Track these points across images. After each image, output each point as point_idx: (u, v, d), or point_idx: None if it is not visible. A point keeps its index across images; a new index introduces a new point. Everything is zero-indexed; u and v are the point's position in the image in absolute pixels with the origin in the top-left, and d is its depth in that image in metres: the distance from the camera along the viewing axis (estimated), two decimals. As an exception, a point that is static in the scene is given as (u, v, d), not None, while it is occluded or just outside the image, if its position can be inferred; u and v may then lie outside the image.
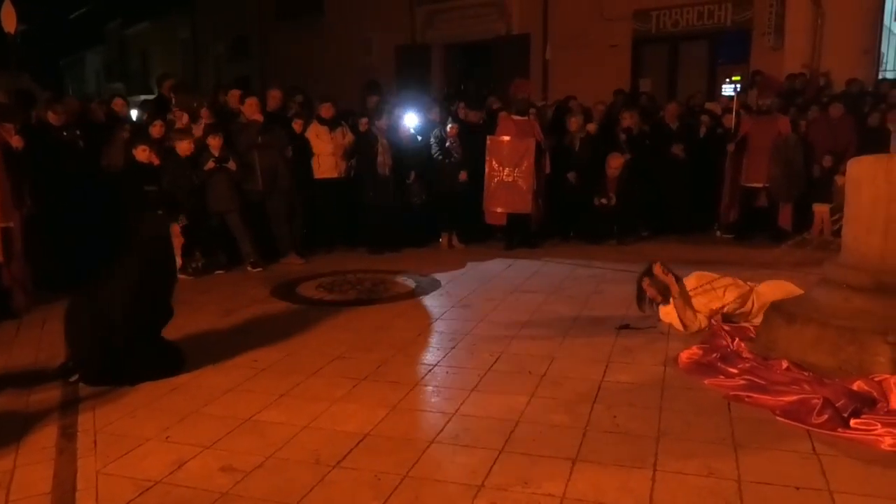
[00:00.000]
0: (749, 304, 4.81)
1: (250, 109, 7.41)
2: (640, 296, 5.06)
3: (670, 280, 4.88)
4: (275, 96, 8.14)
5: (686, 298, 4.83)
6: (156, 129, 6.92)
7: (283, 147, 7.54)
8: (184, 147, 6.81)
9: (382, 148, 7.95)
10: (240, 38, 19.25)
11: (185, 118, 7.40)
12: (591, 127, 8.86)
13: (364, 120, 8.10)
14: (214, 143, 6.99)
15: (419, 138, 8.51)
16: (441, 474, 2.95)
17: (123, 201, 6.54)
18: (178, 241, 4.40)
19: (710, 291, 4.84)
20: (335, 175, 8.01)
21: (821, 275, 4.35)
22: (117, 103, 7.74)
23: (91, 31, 28.89)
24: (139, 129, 7.17)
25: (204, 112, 7.55)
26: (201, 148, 7.04)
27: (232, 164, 7.04)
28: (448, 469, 2.99)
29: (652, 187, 8.78)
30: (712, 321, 4.73)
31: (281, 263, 7.53)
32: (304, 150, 7.86)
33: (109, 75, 28.96)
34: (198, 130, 7.22)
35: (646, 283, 4.96)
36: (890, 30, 11.88)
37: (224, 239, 7.27)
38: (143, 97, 8.71)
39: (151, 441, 3.33)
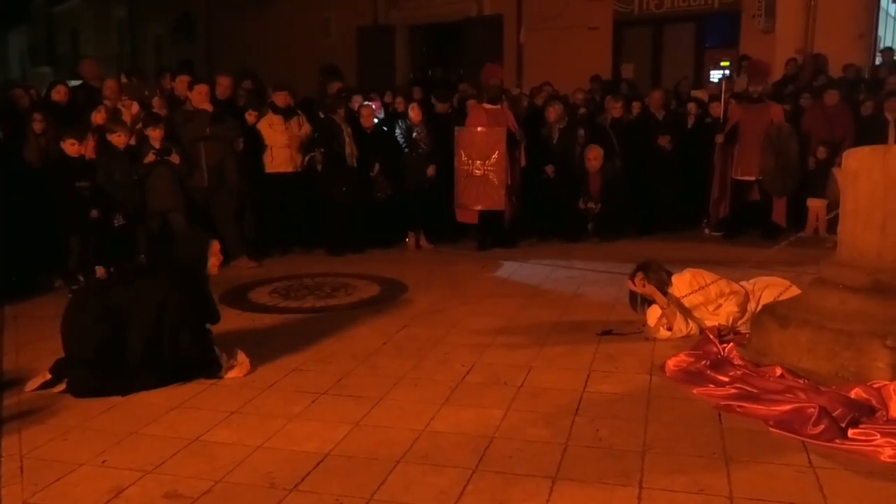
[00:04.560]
0: (748, 312, 4.87)
1: (199, 97, 7.32)
2: (633, 295, 5.12)
3: (651, 290, 4.94)
4: (223, 83, 8.04)
5: (678, 306, 4.89)
6: (98, 117, 6.85)
7: (234, 139, 7.47)
8: (120, 139, 6.71)
9: (348, 137, 7.93)
10: (183, 18, 19.00)
11: (135, 107, 7.30)
12: (583, 112, 8.95)
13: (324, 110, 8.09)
14: (155, 134, 6.89)
15: (385, 128, 8.51)
16: (409, 497, 2.94)
17: (53, 200, 6.45)
18: (215, 260, 4.46)
19: (706, 305, 4.89)
20: (290, 169, 7.94)
21: (816, 274, 4.43)
22: (59, 91, 7.57)
23: (14, 8, 28.27)
24: (69, 119, 7.06)
25: (156, 101, 7.45)
26: (141, 140, 6.94)
27: (175, 158, 6.95)
28: (416, 491, 2.99)
29: (638, 186, 8.88)
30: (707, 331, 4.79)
31: (230, 267, 7.41)
32: (255, 143, 7.79)
33: (35, 58, 28.39)
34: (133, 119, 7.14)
35: (638, 277, 5.00)
36: (887, 12, 12.16)
37: (166, 242, 7.17)
38: (73, 83, 8.54)
39: (85, 466, 3.26)
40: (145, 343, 4.14)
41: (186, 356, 4.21)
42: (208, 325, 4.43)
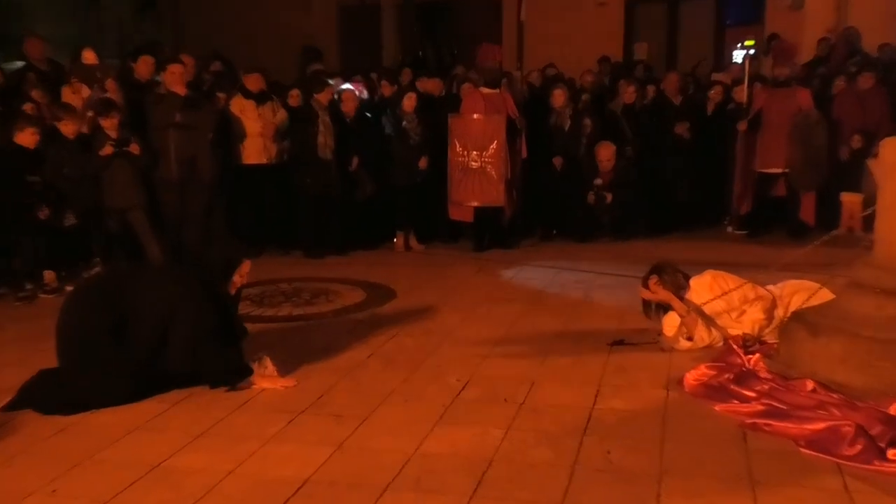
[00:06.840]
0: (775, 319, 4.87)
1: (172, 79, 7.29)
2: (646, 301, 5.12)
3: (667, 296, 4.94)
4: (186, 63, 8.02)
5: (699, 313, 4.88)
6: (29, 107, 6.85)
7: (208, 129, 7.44)
8: (67, 127, 6.68)
9: (324, 126, 7.91)
10: (148, -6, 18.98)
11: (85, 91, 7.27)
12: (586, 98, 8.96)
13: (294, 92, 8.07)
14: (109, 123, 6.85)
15: (368, 115, 8.49)
16: (397, 528, 2.93)
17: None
18: (238, 280, 4.52)
19: (729, 312, 4.89)
20: (264, 161, 7.96)
21: (850, 277, 4.44)
22: None
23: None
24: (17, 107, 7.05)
25: (109, 84, 7.43)
26: (94, 128, 6.90)
27: (135, 148, 6.91)
28: (406, 521, 2.98)
29: (653, 179, 8.88)
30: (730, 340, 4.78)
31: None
32: (224, 131, 7.76)
33: (-19, 39, 28.35)
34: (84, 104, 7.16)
35: (652, 282, 5.00)
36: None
37: (126, 243, 7.15)
38: (18, 64, 8.52)
39: (34, 496, 3.24)
40: (146, 357, 4.17)
41: (208, 369, 4.28)
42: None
